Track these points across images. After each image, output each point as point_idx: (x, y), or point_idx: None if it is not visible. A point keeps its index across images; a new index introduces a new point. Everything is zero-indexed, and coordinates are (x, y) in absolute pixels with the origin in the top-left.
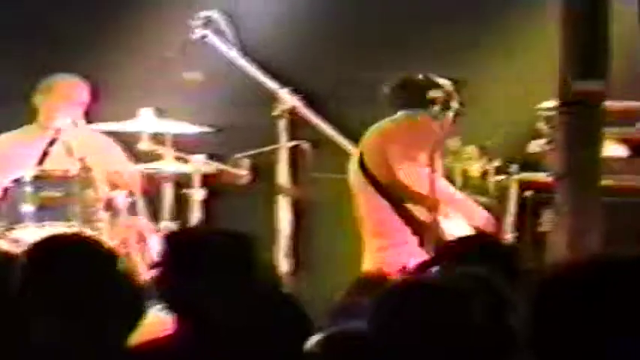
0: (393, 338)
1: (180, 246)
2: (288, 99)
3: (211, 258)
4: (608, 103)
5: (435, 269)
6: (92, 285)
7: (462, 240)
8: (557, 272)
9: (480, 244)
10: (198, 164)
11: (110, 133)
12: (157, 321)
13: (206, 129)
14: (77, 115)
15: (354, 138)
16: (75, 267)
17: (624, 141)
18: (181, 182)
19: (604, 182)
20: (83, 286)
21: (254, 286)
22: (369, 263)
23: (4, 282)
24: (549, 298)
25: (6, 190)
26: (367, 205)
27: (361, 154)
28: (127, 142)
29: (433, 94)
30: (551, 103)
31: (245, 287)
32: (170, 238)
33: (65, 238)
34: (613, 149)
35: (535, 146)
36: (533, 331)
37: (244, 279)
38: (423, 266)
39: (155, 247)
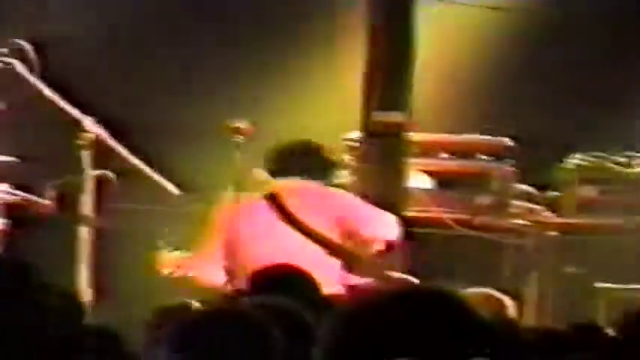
0: None
1: None
2: (92, 128)
3: None
4: (411, 135)
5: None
6: None
7: (267, 270)
8: (359, 304)
9: (283, 274)
10: (2, 194)
11: None
12: None
13: (10, 158)
14: None
15: (161, 169)
16: None
17: (429, 172)
18: None
19: (409, 213)
20: None
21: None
22: None
23: None
24: (352, 328)
25: None
26: None
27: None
28: None
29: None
30: (354, 134)
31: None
32: None
33: None
34: (418, 180)
35: (339, 177)
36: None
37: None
38: (235, 296)
39: None
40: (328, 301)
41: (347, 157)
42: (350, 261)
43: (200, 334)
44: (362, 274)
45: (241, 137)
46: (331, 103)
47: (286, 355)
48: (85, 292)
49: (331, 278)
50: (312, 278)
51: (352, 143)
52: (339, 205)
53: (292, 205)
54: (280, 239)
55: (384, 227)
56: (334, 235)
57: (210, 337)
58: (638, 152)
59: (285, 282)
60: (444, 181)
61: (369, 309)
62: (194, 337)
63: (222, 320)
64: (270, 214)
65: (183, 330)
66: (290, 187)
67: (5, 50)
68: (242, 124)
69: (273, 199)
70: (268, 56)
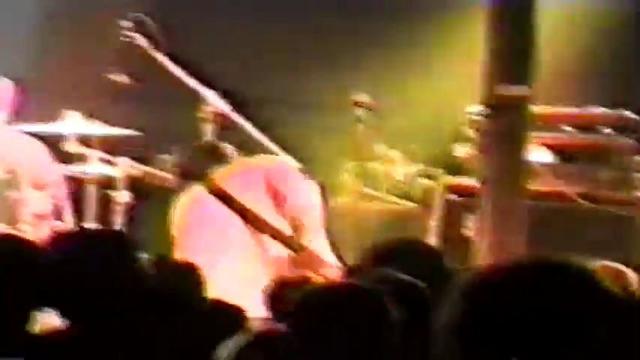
0: (315, 338)
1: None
2: (214, 102)
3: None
4: (534, 108)
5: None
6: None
7: (389, 244)
8: (485, 274)
9: (405, 247)
10: (124, 166)
11: (36, 135)
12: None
13: (132, 131)
14: (2, 116)
15: (281, 143)
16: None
17: (550, 146)
18: (106, 184)
19: (529, 187)
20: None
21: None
22: None
23: None
24: (478, 299)
25: None
26: None
27: None
28: (52, 143)
29: None
30: (477, 108)
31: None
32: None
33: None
34: (539, 154)
35: (460, 150)
36: (462, 331)
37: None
38: (349, 271)
39: None
40: (450, 276)
41: (469, 131)
42: (291, 248)
43: (321, 308)
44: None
45: (363, 111)
46: (453, 76)
47: (405, 329)
48: None
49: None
50: (436, 252)
51: (474, 117)
52: (270, 177)
53: (233, 187)
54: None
55: (305, 195)
56: (270, 210)
57: (331, 311)
58: None
59: (406, 255)
60: (566, 154)
61: (496, 283)
62: (315, 312)
63: (341, 295)
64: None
65: (307, 304)
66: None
67: (128, 24)
68: (364, 98)
69: (214, 187)
70: (391, 30)
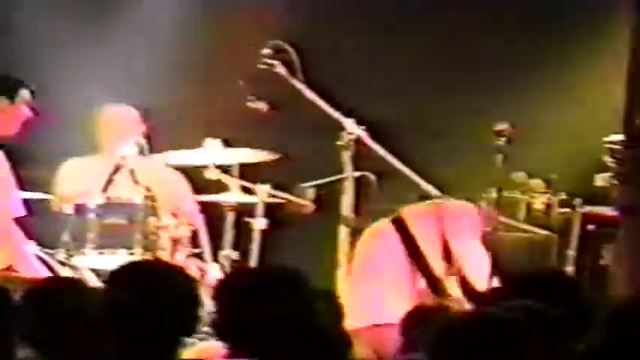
0: None
1: (238, 283)
2: (353, 129)
3: (268, 294)
4: None
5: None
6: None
7: (525, 274)
8: (626, 305)
9: (543, 278)
10: (263, 194)
11: (177, 163)
12: (210, 349)
13: (271, 158)
14: (136, 144)
15: (418, 170)
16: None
17: None
18: (244, 211)
19: None
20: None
21: (308, 322)
22: None
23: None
24: (621, 329)
25: (67, 216)
26: None
27: None
28: (192, 171)
29: None
30: (617, 137)
31: (299, 323)
32: (228, 277)
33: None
34: None
35: (600, 180)
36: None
37: (299, 315)
38: (485, 299)
39: (215, 276)
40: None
41: (609, 160)
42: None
43: (459, 338)
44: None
45: (503, 140)
46: (595, 105)
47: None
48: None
49: None
50: (571, 283)
51: (615, 146)
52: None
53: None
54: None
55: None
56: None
57: (469, 341)
58: None
59: (544, 285)
60: None
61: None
62: (454, 342)
63: (477, 325)
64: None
65: (444, 334)
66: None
67: (268, 51)
68: (504, 127)
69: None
70: (531, 59)
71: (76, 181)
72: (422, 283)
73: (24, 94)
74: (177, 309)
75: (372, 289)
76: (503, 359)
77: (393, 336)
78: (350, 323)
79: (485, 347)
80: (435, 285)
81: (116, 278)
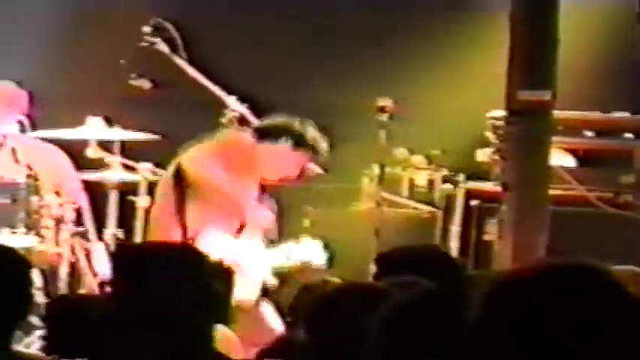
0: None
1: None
2: (236, 107)
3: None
4: (556, 113)
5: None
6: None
7: (409, 250)
8: (506, 279)
9: (427, 254)
10: (145, 172)
11: (57, 141)
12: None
13: (153, 136)
14: (17, 122)
15: None
16: None
17: (572, 151)
18: (127, 189)
19: (552, 192)
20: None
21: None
22: None
23: None
24: (499, 303)
25: None
26: None
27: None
28: (74, 149)
29: None
30: (499, 113)
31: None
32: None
33: None
34: (561, 159)
35: (482, 156)
36: (482, 337)
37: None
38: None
39: (101, 255)
40: (467, 281)
41: (491, 136)
42: None
43: (329, 310)
44: None
45: (385, 115)
46: (475, 81)
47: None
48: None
49: None
50: (456, 262)
51: (496, 121)
52: None
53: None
54: None
55: None
56: None
57: (338, 313)
58: None
59: (423, 261)
60: (588, 159)
61: (517, 287)
62: (327, 313)
63: (350, 296)
64: None
65: (318, 306)
66: None
67: (148, 29)
68: (387, 103)
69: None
70: (413, 35)
71: None
72: None
73: None
74: (9, 290)
75: None
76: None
77: None
78: None
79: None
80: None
81: None
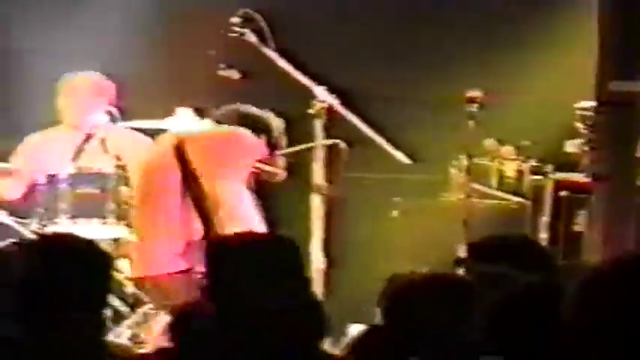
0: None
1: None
2: (325, 97)
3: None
4: None
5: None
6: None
7: (501, 239)
8: (599, 269)
9: (518, 244)
10: None
11: (146, 131)
12: None
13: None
14: (107, 112)
15: (390, 137)
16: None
17: None
18: None
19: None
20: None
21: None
22: None
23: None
24: (592, 293)
25: (39, 187)
26: None
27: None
28: None
29: None
30: (588, 103)
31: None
32: (214, 243)
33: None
34: None
35: (571, 146)
36: (577, 325)
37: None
38: (456, 264)
39: None
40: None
41: (580, 126)
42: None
43: (409, 301)
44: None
45: (475, 106)
46: (564, 71)
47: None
48: (318, 260)
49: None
50: (543, 250)
51: (586, 112)
52: None
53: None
54: None
55: None
56: None
57: (418, 304)
58: None
59: (512, 251)
60: None
61: (609, 278)
62: (405, 303)
63: (431, 287)
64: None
65: (394, 297)
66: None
67: (237, 20)
68: (477, 93)
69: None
70: (501, 26)
71: (39, 154)
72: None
73: None
74: (88, 282)
75: (154, 229)
76: (456, 321)
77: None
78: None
79: (435, 308)
80: (206, 223)
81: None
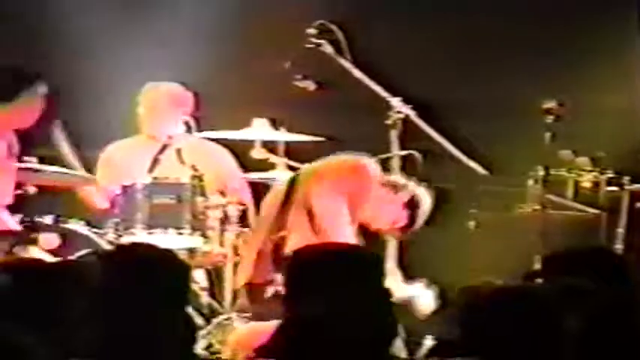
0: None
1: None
2: (401, 108)
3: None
4: None
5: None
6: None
7: (572, 252)
8: None
9: (590, 256)
10: None
11: (223, 141)
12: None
13: (318, 138)
14: (183, 123)
15: (465, 148)
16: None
17: None
18: None
19: None
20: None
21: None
22: None
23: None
24: None
25: (115, 197)
26: None
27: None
28: (239, 150)
29: None
30: None
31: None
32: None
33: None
34: None
35: None
36: None
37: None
38: (529, 277)
39: None
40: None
41: None
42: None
43: (478, 313)
44: None
45: (551, 118)
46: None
47: (578, 335)
48: (394, 271)
49: None
50: (621, 261)
51: None
52: None
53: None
54: None
55: None
56: None
57: (488, 315)
58: None
59: (590, 263)
60: None
61: None
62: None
63: (504, 299)
64: None
65: (467, 309)
66: None
67: (313, 31)
68: (553, 105)
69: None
70: (578, 37)
71: (117, 164)
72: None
73: (39, 87)
74: (170, 291)
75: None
76: (537, 334)
77: None
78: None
79: (510, 320)
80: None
81: (109, 261)
